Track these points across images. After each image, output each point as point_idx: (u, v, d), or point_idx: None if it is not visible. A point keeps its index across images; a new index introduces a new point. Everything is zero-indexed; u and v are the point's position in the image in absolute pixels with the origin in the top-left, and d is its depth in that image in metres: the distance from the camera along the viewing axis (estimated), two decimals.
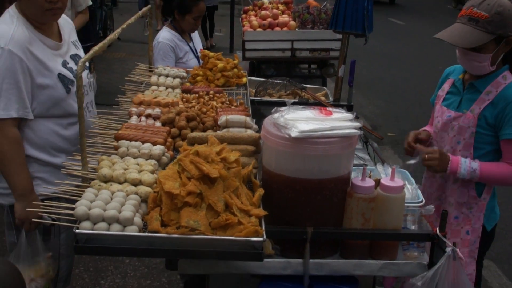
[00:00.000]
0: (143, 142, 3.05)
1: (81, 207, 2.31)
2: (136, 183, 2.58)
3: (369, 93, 11.45)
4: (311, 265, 2.79)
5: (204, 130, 3.50)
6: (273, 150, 2.77)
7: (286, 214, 2.79)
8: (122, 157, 2.89)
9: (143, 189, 2.53)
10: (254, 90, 5.15)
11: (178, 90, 4.35)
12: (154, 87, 4.30)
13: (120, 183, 2.59)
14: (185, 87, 4.43)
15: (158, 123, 3.50)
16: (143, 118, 3.56)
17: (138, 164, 2.76)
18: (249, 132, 3.18)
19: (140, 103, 3.77)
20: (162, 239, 2.29)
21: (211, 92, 4.14)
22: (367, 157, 4.14)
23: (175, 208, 2.39)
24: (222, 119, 3.22)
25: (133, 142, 2.98)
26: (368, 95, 11.29)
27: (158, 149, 2.95)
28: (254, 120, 3.30)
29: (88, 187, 2.55)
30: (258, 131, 3.25)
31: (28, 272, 3.09)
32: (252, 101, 4.56)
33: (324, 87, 5.38)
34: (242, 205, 2.47)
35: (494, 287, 5.13)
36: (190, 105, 3.88)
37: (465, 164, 3.15)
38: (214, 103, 3.95)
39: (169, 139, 3.26)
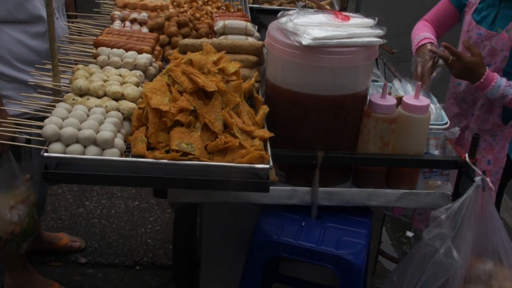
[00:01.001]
0: (127, 50, 2.61)
1: (50, 125, 1.91)
2: (117, 97, 2.17)
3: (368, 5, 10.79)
4: (320, 194, 2.45)
5: (198, 38, 3.05)
6: (279, 61, 2.35)
7: (293, 135, 2.41)
8: (101, 67, 2.47)
9: (125, 104, 2.12)
10: None
11: None
12: None
13: (98, 97, 2.18)
14: None
15: (144, 29, 3.04)
16: (127, 23, 3.10)
17: (120, 76, 2.34)
18: (251, 39, 2.73)
19: (125, 6, 3.28)
20: (148, 164, 1.91)
21: None
22: (378, 72, 3.71)
23: (164, 128, 2.00)
24: (219, 24, 2.76)
25: (115, 50, 2.54)
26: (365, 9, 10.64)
27: (144, 58, 2.52)
28: (256, 27, 2.85)
29: (60, 101, 2.14)
30: (261, 39, 2.81)
31: (7, 199, 2.73)
32: (250, 8, 4.08)
33: None
34: (244, 125, 2.08)
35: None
36: (181, 9, 3.40)
37: (501, 82, 2.70)
38: (209, 8, 3.48)
39: (158, 47, 2.82)
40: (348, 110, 2.37)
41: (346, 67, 2.29)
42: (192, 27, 3.08)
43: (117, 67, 2.48)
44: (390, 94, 2.51)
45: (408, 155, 2.44)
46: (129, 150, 2.02)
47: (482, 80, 2.66)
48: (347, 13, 2.48)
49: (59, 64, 2.44)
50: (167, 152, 1.96)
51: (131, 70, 2.49)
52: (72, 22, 3.06)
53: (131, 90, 2.18)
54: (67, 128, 1.92)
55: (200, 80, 2.00)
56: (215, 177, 1.93)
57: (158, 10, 3.29)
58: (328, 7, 4.60)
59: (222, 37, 2.74)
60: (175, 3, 3.51)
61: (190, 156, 1.91)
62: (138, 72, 2.43)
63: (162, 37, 2.95)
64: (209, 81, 2.03)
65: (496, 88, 2.66)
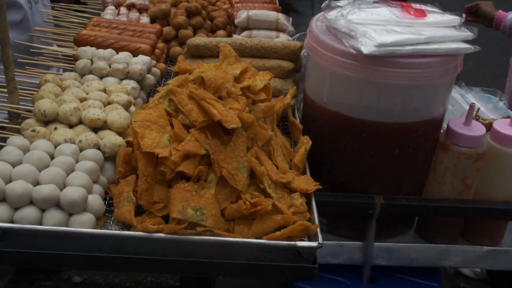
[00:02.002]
0: (118, 50, 1.95)
1: None
2: (97, 126, 1.52)
3: None
4: (375, 250, 1.80)
5: (213, 31, 2.37)
6: (326, 73, 1.69)
7: (341, 174, 1.77)
8: (82, 76, 1.81)
9: (108, 138, 1.47)
10: None
11: None
12: None
13: (70, 125, 1.53)
14: None
15: (145, 18, 2.37)
16: (123, 9, 2.42)
17: (105, 91, 1.68)
18: (283, 38, 2.05)
19: None
20: (136, 240, 1.26)
21: None
22: None
23: (162, 180, 1.35)
24: (242, 15, 2.09)
25: (101, 51, 1.88)
26: None
27: (140, 63, 1.86)
28: (290, 20, 2.16)
29: (15, 134, 1.50)
30: (294, 35, 2.14)
31: None
32: None
33: None
34: (279, 174, 1.42)
35: None
36: None
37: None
38: None
39: (160, 44, 2.16)
40: (419, 142, 1.71)
41: (423, 84, 1.62)
42: (206, 16, 2.41)
43: (103, 76, 1.82)
44: (478, 118, 1.84)
45: (498, 202, 1.78)
46: (111, 209, 1.38)
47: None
48: (420, 6, 1.79)
49: (28, 70, 1.79)
50: (166, 219, 1.31)
51: (121, 80, 1.83)
52: (53, 8, 2.39)
53: (117, 116, 1.53)
54: (16, 183, 1.28)
55: (216, 112, 1.34)
56: (236, 259, 1.29)
57: None
58: None
59: (245, 33, 2.07)
60: None
61: (199, 229, 1.27)
62: (131, 84, 1.77)
63: (166, 29, 2.28)
64: (229, 111, 1.37)
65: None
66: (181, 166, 1.31)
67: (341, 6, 1.80)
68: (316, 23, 1.80)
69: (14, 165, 1.36)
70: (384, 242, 1.84)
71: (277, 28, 2.09)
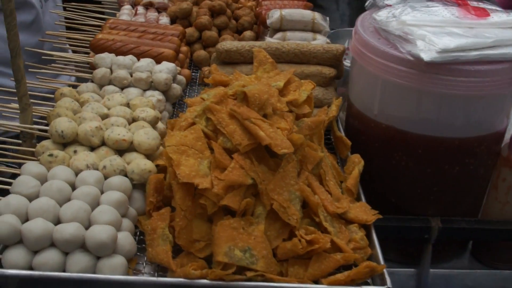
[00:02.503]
0: (139, 56, 1.76)
1: (4, 218, 1.09)
2: (123, 147, 1.33)
3: None
4: (431, 277, 1.62)
5: (239, 31, 2.18)
6: (377, 82, 1.50)
7: (393, 194, 1.58)
8: (101, 87, 1.62)
9: (136, 163, 1.28)
10: None
11: None
12: None
13: (92, 147, 1.35)
14: None
15: (164, 19, 2.17)
16: (140, 8, 2.23)
17: (128, 105, 1.49)
18: (320, 40, 1.86)
19: None
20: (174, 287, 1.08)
21: None
22: None
23: (201, 214, 1.16)
24: (274, 15, 1.89)
25: (121, 58, 1.69)
26: None
27: (165, 70, 1.67)
28: (327, 19, 1.97)
29: (29, 159, 1.32)
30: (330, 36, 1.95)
31: None
32: None
33: None
34: (335, 204, 1.23)
35: None
36: None
37: None
38: None
39: (184, 47, 1.96)
40: (481, 158, 1.53)
41: (489, 94, 1.42)
42: (231, 15, 2.21)
43: (124, 87, 1.64)
44: None
45: None
46: (142, 246, 1.20)
47: None
48: (478, 3, 1.59)
49: (40, 80, 1.61)
50: (208, 261, 1.13)
51: (144, 90, 1.64)
52: (65, 9, 2.20)
53: (145, 136, 1.34)
54: (35, 222, 1.10)
55: (263, 134, 1.15)
56: None
57: None
58: None
59: (278, 35, 1.87)
60: None
61: (249, 273, 1.08)
62: (156, 96, 1.59)
63: (189, 30, 2.09)
64: (278, 132, 1.18)
65: None
66: (226, 199, 1.13)
67: (390, 5, 1.60)
68: (362, 23, 1.60)
69: (30, 198, 1.17)
70: (438, 267, 1.65)
71: (314, 29, 1.89)
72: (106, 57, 1.68)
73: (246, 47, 1.66)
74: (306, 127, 1.38)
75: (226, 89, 1.29)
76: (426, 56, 1.35)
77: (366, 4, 1.70)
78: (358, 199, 1.39)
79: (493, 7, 1.59)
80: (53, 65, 1.79)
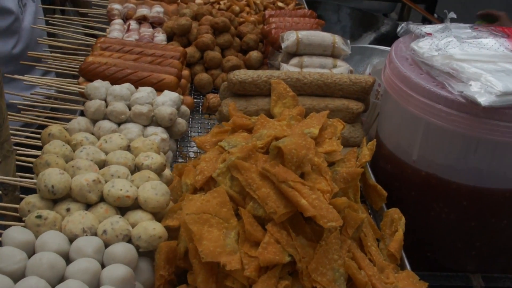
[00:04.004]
0: (136, 83, 1.53)
1: None
2: (126, 205, 1.11)
3: None
4: None
5: (243, 50, 1.96)
6: (418, 124, 1.31)
7: (431, 248, 1.39)
8: (94, 122, 1.39)
9: (145, 227, 1.06)
10: None
11: None
12: None
13: (89, 204, 1.12)
14: None
15: (160, 35, 1.94)
16: (133, 24, 1.99)
17: (129, 148, 1.27)
18: (342, 67, 1.65)
19: None
20: None
21: None
22: None
23: None
24: (290, 38, 1.68)
25: (117, 87, 1.46)
26: None
27: (168, 102, 1.45)
28: (348, 42, 1.76)
29: (11, 215, 1.09)
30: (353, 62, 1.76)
31: None
32: None
33: None
34: (382, 279, 1.03)
35: None
36: None
37: None
38: None
39: (185, 71, 1.74)
40: None
41: None
42: (234, 32, 1.99)
43: (121, 122, 1.41)
44: None
45: None
46: None
47: None
48: None
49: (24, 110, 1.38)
50: None
51: (145, 126, 1.42)
52: (47, 22, 1.95)
53: (152, 191, 1.12)
54: None
55: (306, 204, 0.94)
56: None
57: (179, 1, 2.19)
58: None
59: (294, 61, 1.66)
60: None
61: None
62: (160, 135, 1.36)
63: (189, 50, 1.86)
64: (321, 199, 0.97)
65: None
66: (259, 284, 0.91)
67: (429, 34, 1.40)
68: (397, 53, 1.40)
69: (15, 277, 0.94)
70: None
71: (334, 54, 1.68)
72: (100, 87, 1.45)
73: (263, 78, 1.44)
74: (341, 179, 1.17)
75: (254, 140, 1.08)
76: (484, 100, 1.15)
77: (399, 29, 1.50)
78: (401, 264, 1.19)
79: None
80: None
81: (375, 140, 1.39)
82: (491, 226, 1.34)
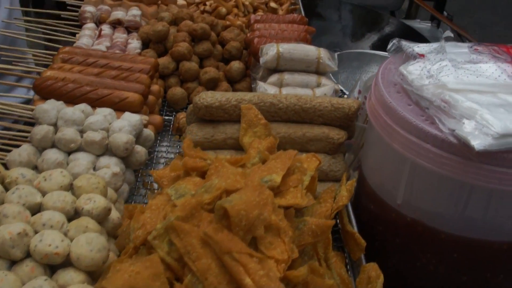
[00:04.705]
0: (95, 102, 1.38)
1: None
2: (55, 262, 0.95)
3: None
4: None
5: (225, 59, 1.79)
6: (404, 164, 1.14)
7: None
8: (41, 151, 1.24)
9: None
10: None
11: None
12: None
13: (13, 260, 0.97)
14: None
15: (134, 42, 1.78)
16: (105, 29, 1.83)
17: (71, 189, 1.11)
18: (326, 87, 1.48)
19: None
20: None
21: None
22: None
23: None
24: (270, 52, 1.50)
25: (69, 110, 1.31)
26: None
27: (126, 128, 1.30)
28: (335, 56, 1.58)
29: None
30: (338, 95, 1.59)
31: None
32: None
33: None
34: None
35: None
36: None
37: None
38: None
39: (155, 86, 1.58)
40: None
41: None
42: (216, 40, 1.82)
43: (71, 151, 1.25)
44: None
45: None
46: None
47: None
48: None
49: None
50: None
51: (98, 156, 1.26)
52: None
53: (86, 247, 0.96)
54: None
55: (250, 284, 0.78)
56: None
57: (160, 2, 2.02)
58: None
59: (274, 79, 1.49)
60: None
61: None
62: (112, 169, 1.20)
63: (163, 60, 1.70)
64: (272, 277, 0.80)
65: None
66: None
67: (422, 56, 1.22)
68: (385, 76, 1.22)
69: None
70: None
71: (318, 70, 1.51)
72: (50, 109, 1.29)
73: (233, 102, 1.28)
74: (309, 232, 1.01)
75: (201, 192, 0.91)
76: (478, 143, 0.97)
77: (389, 47, 1.32)
78: None
79: None
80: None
81: (354, 180, 1.22)
82: (485, 281, 1.17)
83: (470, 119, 1.02)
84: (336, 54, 1.57)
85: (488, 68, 1.15)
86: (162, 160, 1.47)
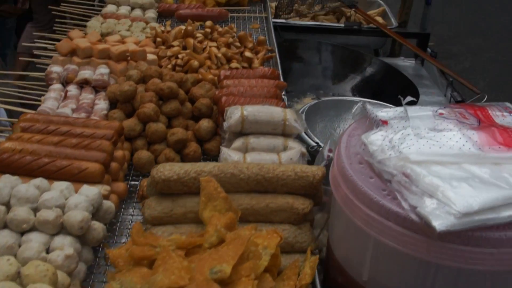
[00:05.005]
0: (53, 174, 1.33)
1: None
2: None
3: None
4: None
5: (196, 117, 1.75)
6: (367, 241, 1.08)
7: None
8: None
9: None
10: (275, 5, 3.28)
11: (151, 14, 2.53)
12: (109, 9, 2.48)
13: None
14: (164, 7, 2.61)
15: (101, 103, 1.74)
16: (72, 89, 1.80)
17: (18, 277, 1.06)
18: (293, 151, 1.43)
19: (72, 53, 1.97)
20: None
21: (208, 23, 2.33)
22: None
23: None
24: (233, 116, 1.46)
25: (23, 187, 1.26)
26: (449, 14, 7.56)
27: (82, 204, 1.24)
28: (303, 117, 1.54)
29: None
30: (314, 148, 1.54)
31: None
32: (274, 27, 2.76)
33: (381, 1, 3.51)
34: None
35: None
36: (169, 53, 2.08)
37: None
38: (214, 46, 2.16)
39: (119, 152, 1.53)
40: None
41: None
42: (185, 97, 1.78)
43: (24, 232, 1.20)
44: None
45: None
46: None
47: None
48: (502, 114, 1.18)
49: None
50: None
51: (52, 235, 1.21)
52: None
53: None
54: None
55: None
56: None
57: (129, 59, 1.98)
58: (380, 19, 3.26)
59: (238, 143, 1.44)
60: (159, 40, 2.18)
61: None
62: (65, 251, 1.15)
63: (129, 122, 1.65)
64: None
65: None
66: None
67: (385, 122, 1.17)
68: (348, 145, 1.18)
69: None
70: None
71: (285, 132, 1.46)
72: (2, 188, 1.24)
73: (192, 174, 1.23)
74: None
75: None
76: (439, 223, 0.93)
77: (354, 111, 1.28)
78: None
79: None
80: None
81: (317, 257, 1.17)
82: None
83: (431, 197, 0.97)
84: (303, 116, 1.53)
85: (452, 137, 1.10)
86: (126, 232, 1.41)
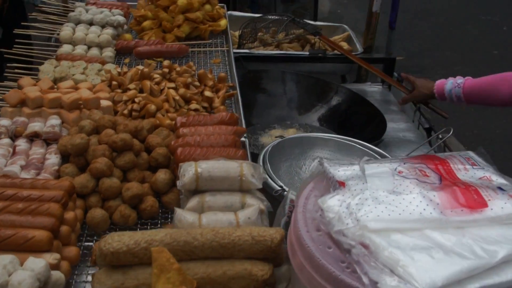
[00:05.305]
0: None
1: None
2: None
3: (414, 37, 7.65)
4: None
5: (153, 168, 1.67)
6: None
7: None
8: None
9: None
10: (238, 34, 3.23)
11: (109, 53, 2.45)
12: (65, 50, 2.40)
13: None
14: (122, 44, 2.54)
15: (52, 157, 1.66)
16: (21, 144, 1.71)
17: None
18: (251, 209, 1.36)
19: (21, 104, 1.88)
20: None
21: (166, 63, 2.26)
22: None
23: None
24: (187, 174, 1.39)
25: None
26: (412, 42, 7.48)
27: (28, 279, 1.16)
28: (260, 169, 1.47)
29: None
30: (278, 192, 1.48)
31: None
32: (236, 57, 2.71)
33: (346, 26, 3.48)
34: None
35: None
36: (125, 96, 2.01)
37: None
38: (172, 88, 2.09)
39: (70, 213, 1.44)
40: None
41: None
42: (140, 147, 1.70)
43: None
44: None
45: None
46: None
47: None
48: (464, 167, 1.13)
49: None
50: None
51: None
52: None
53: None
54: None
55: None
56: None
57: (82, 107, 1.90)
58: (345, 45, 3.23)
59: (193, 202, 1.38)
60: (115, 83, 2.11)
61: None
62: None
63: (81, 179, 1.57)
64: None
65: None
66: None
67: (342, 184, 1.12)
68: (306, 209, 1.11)
69: None
70: None
71: (242, 188, 1.40)
72: None
73: (142, 245, 1.16)
74: None
75: None
76: None
77: (311, 168, 1.22)
78: None
79: (486, 174, 1.12)
80: None
81: None
82: None
83: (392, 273, 0.91)
84: (261, 168, 1.46)
85: (412, 200, 1.05)
86: None
